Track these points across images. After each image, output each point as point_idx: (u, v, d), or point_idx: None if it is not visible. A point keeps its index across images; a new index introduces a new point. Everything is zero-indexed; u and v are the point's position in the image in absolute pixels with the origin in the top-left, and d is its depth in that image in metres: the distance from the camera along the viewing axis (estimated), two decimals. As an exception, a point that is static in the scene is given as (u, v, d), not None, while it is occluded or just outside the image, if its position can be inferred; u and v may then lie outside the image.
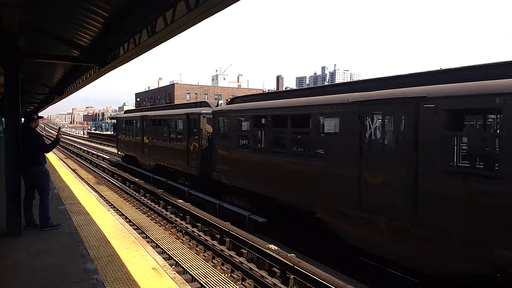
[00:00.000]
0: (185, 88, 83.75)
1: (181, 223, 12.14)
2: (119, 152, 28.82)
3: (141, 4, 6.73)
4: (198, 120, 15.92)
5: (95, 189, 17.22)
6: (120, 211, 13.36)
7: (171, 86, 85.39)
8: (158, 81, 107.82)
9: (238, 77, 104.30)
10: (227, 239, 10.21)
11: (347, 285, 6.69)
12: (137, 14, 7.07)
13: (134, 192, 17.24)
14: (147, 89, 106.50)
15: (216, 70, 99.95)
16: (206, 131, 15.73)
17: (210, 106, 16.07)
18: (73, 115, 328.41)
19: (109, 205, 13.69)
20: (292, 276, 7.69)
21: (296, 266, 7.69)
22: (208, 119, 15.42)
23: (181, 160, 17.28)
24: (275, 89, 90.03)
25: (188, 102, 20.48)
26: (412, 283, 7.27)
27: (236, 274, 8.04)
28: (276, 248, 8.68)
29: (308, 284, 7.26)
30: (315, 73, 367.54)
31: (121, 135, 26.99)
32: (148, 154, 21.48)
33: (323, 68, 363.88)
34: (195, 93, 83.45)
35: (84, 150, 40.04)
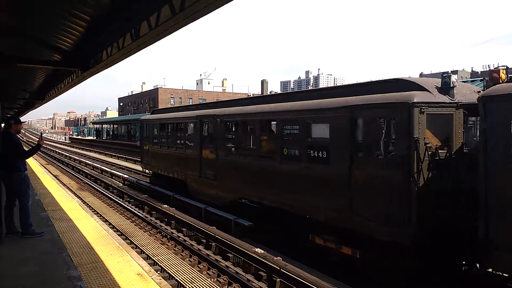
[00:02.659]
0: (169, 92, 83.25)
1: (166, 228, 12.04)
2: (146, 170, 20.44)
3: (124, 8, 6.69)
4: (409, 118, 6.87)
5: (78, 195, 16.96)
6: (104, 217, 13.17)
7: (155, 91, 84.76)
8: (142, 86, 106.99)
9: (223, 81, 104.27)
10: (213, 244, 10.17)
11: (333, 287, 6.74)
12: (120, 18, 7.03)
13: (118, 198, 17.01)
14: (130, 94, 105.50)
15: (201, 74, 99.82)
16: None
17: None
18: (54, 120, 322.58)
19: (92, 211, 13.50)
20: (278, 280, 7.70)
21: (282, 269, 7.71)
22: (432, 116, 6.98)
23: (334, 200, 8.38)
24: (260, 93, 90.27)
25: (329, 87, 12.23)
26: (402, 285, 7.35)
27: (223, 279, 8.01)
28: (262, 251, 8.68)
29: (294, 287, 7.28)
30: (299, 77, 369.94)
31: (151, 145, 18.35)
32: (217, 179, 12.70)
33: (307, 73, 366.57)
34: (180, 98, 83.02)
35: (66, 156, 39.38)
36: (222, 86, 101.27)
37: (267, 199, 10.59)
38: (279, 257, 8.32)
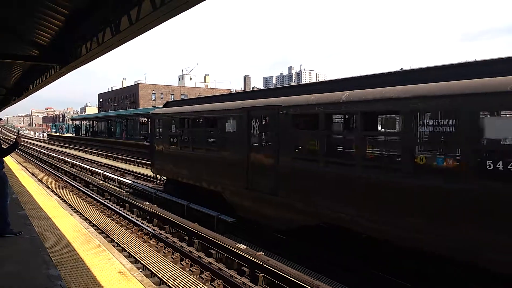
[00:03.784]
0: (150, 88, 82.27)
1: (148, 226, 11.93)
2: (158, 176, 17.04)
3: (104, 2, 6.59)
4: None
5: (57, 193, 16.64)
6: (84, 215, 12.95)
7: (136, 86, 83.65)
8: (122, 81, 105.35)
9: (205, 77, 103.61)
10: (196, 240, 10.14)
11: (314, 281, 6.82)
12: (100, 12, 6.91)
13: (98, 196, 16.76)
14: (110, 89, 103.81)
15: (183, 70, 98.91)
16: None
17: None
18: (31, 117, 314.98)
19: (72, 209, 13.27)
20: (261, 275, 7.74)
21: (265, 264, 7.75)
22: None
23: None
24: (243, 89, 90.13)
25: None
26: (378, 276, 7.49)
27: (205, 275, 8.00)
28: (245, 247, 8.71)
29: (277, 282, 7.34)
30: (282, 73, 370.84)
31: (166, 146, 14.85)
32: (279, 194, 9.27)
33: (290, 68, 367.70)
34: (161, 93, 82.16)
35: (44, 154, 38.54)
36: (204, 81, 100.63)
37: (395, 235, 6.78)
38: (261, 252, 8.36)
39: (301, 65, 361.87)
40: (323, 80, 11.03)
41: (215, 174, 11.83)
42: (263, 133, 10.09)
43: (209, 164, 12.17)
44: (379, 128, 8.51)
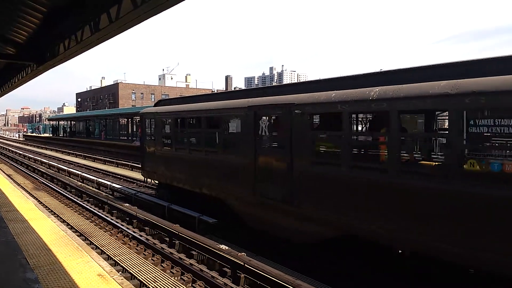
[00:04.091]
0: (130, 87, 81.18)
1: (127, 228, 11.75)
2: (150, 180, 15.85)
3: (83, 0, 6.47)
4: None
5: (33, 195, 16.23)
6: (62, 218, 12.67)
7: (115, 86, 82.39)
8: (101, 81, 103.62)
9: (186, 77, 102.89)
10: (177, 242, 10.05)
11: (295, 280, 6.85)
12: (79, 10, 6.78)
13: (76, 197, 16.42)
14: (89, 89, 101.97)
15: (163, 69, 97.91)
16: None
17: None
18: (7, 117, 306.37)
19: (49, 212, 12.96)
20: (243, 275, 7.73)
21: (246, 264, 7.74)
22: None
23: None
24: (224, 89, 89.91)
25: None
26: (363, 277, 7.58)
27: (187, 277, 7.94)
28: (226, 248, 8.68)
29: (258, 282, 7.34)
30: (263, 73, 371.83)
31: (160, 147, 13.70)
32: (294, 203, 8.36)
33: (271, 69, 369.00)
34: (141, 93, 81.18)
35: (20, 154, 37.54)
36: (186, 81, 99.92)
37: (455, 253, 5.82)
38: (243, 253, 8.35)
39: (282, 65, 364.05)
40: (344, 75, 8.60)
41: (217, 179, 10.77)
42: (272, 134, 9.17)
43: (209, 168, 11.06)
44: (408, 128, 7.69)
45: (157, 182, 15.17)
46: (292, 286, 6.71)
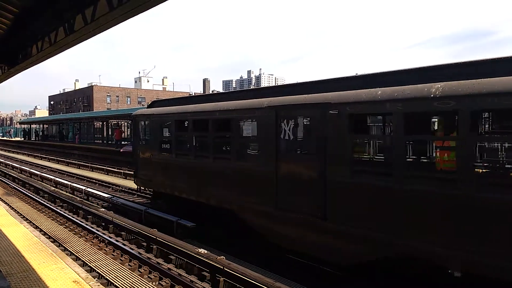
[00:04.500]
0: (105, 90, 79.85)
1: (103, 233, 11.52)
2: (143, 188, 15.33)
3: (57, 0, 6.33)
4: None
5: (5, 201, 15.72)
6: (35, 224, 12.30)
7: (90, 88, 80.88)
8: (75, 83, 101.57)
9: (163, 80, 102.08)
10: (154, 247, 9.92)
11: (275, 283, 6.87)
12: (52, 10, 6.63)
13: (49, 203, 15.98)
14: (62, 92, 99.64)
15: (139, 72, 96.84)
16: None
17: None
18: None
19: (21, 217, 12.59)
20: (222, 279, 7.69)
21: (226, 268, 7.71)
22: None
23: None
24: (202, 92, 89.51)
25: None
26: (341, 279, 7.65)
27: (165, 282, 7.84)
28: (205, 251, 8.63)
29: (238, 285, 7.32)
30: (241, 77, 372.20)
31: (156, 153, 12.46)
32: (328, 218, 7.30)
33: (249, 72, 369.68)
34: (117, 96, 79.96)
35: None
36: (163, 84, 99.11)
37: None
38: (222, 256, 8.31)
39: (260, 69, 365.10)
40: (390, 70, 7.00)
41: (228, 189, 9.61)
42: (298, 138, 7.99)
43: (218, 176, 9.91)
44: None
45: (151, 191, 13.96)
46: (271, 289, 6.72)
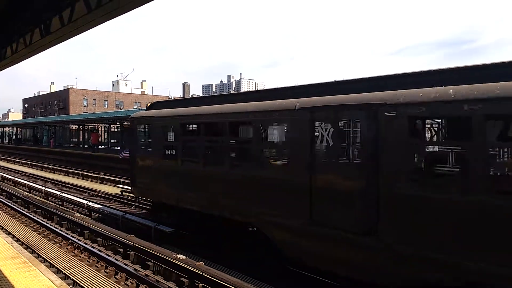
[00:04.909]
0: (81, 93, 78.30)
1: (78, 239, 11.25)
2: (140, 198, 13.75)
3: (32, 1, 6.20)
4: None
5: (-26, 206, 15.15)
6: (7, 230, 11.92)
7: (66, 91, 79.18)
8: (50, 86, 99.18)
9: (141, 83, 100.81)
10: (131, 253, 9.75)
11: (255, 288, 6.86)
12: (28, 11, 6.48)
13: (23, 208, 15.53)
14: (37, 94, 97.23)
15: (118, 75, 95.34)
16: None
17: None
18: None
19: (-8, 224, 12.16)
20: (201, 285, 7.63)
21: (204, 273, 7.65)
22: None
23: None
24: (181, 96, 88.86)
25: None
26: (325, 283, 7.67)
27: (142, 288, 7.72)
28: (184, 257, 8.53)
29: (217, 291, 7.27)
30: (221, 81, 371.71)
31: (158, 160, 11.31)
32: (379, 236, 6.29)
33: (229, 77, 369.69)
34: (94, 99, 78.52)
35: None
36: (141, 88, 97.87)
37: None
38: (201, 262, 8.24)
39: (240, 74, 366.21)
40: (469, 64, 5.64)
41: (248, 200, 8.50)
42: (340, 144, 6.99)
43: (237, 186, 8.83)
44: None
45: (150, 201, 12.80)
46: (250, 294, 6.70)
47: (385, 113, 6.07)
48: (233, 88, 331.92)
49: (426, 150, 6.82)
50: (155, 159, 11.34)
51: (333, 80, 7.22)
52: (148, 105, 13.17)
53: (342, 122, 6.95)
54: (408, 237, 5.87)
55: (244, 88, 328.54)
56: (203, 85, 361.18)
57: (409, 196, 5.84)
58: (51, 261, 9.04)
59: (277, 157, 8.52)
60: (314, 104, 7.12)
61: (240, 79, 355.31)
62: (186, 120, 10.58)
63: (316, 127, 7.09)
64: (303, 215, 7.15)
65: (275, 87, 9.37)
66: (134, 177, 12.37)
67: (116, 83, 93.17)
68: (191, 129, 10.96)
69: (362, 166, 6.56)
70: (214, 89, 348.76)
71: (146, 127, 12.12)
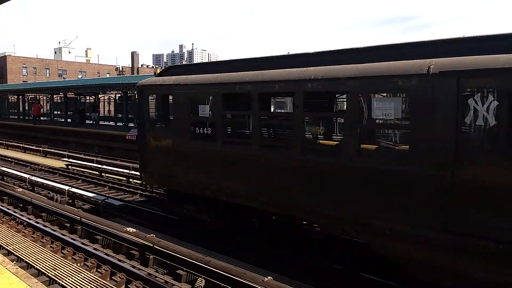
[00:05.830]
0: (20, 61, 73.03)
1: (21, 215, 10.79)
2: (149, 187, 10.75)
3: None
4: None
5: None
6: None
7: (3, 59, 73.36)
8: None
9: (86, 51, 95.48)
10: (79, 227, 9.53)
11: (205, 257, 7.00)
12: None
13: (-43, 183, 14.54)
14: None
15: (60, 42, 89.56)
16: None
17: None
18: None
19: None
20: (152, 256, 7.66)
21: (156, 245, 7.68)
22: None
23: None
24: (130, 66, 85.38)
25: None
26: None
27: (91, 262, 7.60)
28: (134, 230, 8.48)
29: (168, 262, 7.35)
30: (173, 51, 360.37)
31: (183, 140, 8.81)
32: None
33: (181, 47, 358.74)
34: (34, 67, 73.56)
35: None
36: (86, 56, 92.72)
37: None
38: (152, 234, 8.24)
39: (192, 44, 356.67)
40: None
41: (336, 197, 6.32)
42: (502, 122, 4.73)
43: (314, 178, 6.60)
44: None
45: (163, 190, 10.64)
46: (201, 263, 6.86)
47: None
48: (185, 59, 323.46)
49: None
50: (177, 139, 8.88)
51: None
52: (160, 71, 10.80)
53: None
54: None
55: (197, 59, 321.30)
56: (153, 55, 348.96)
57: None
58: (-9, 238, 8.64)
59: (389, 139, 6.86)
60: (465, 67, 4.98)
61: (192, 49, 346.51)
62: (232, 89, 7.88)
63: (467, 100, 4.97)
64: (434, 221, 5.28)
65: (381, 44, 6.55)
66: (145, 161, 9.84)
67: (58, 51, 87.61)
68: (238, 100, 8.46)
69: None
70: (165, 59, 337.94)
71: (164, 98, 9.62)
